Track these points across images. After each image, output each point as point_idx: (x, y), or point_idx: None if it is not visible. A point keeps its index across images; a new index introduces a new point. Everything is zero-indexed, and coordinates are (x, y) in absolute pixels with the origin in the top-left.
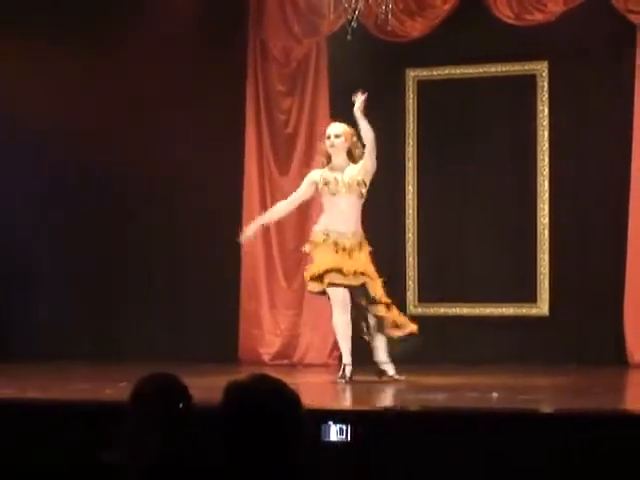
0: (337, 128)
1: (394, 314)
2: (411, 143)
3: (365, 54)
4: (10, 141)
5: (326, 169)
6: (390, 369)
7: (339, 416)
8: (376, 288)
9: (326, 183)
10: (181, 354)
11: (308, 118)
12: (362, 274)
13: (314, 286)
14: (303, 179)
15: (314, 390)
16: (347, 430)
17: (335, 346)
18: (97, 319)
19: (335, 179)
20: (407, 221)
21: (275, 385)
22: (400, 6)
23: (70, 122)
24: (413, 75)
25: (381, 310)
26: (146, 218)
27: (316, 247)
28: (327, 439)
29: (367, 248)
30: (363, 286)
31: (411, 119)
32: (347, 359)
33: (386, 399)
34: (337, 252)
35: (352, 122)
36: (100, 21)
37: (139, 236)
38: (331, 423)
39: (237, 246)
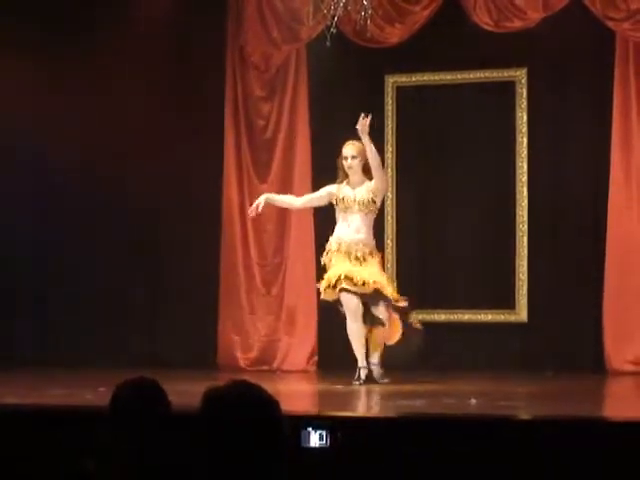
0: (353, 149)
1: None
2: (390, 149)
3: (344, 60)
4: (9, 156)
5: (344, 184)
6: (376, 373)
7: (318, 422)
8: (391, 291)
9: (342, 199)
10: (159, 359)
11: (287, 124)
12: (373, 282)
13: (329, 294)
14: (283, 184)
15: (293, 396)
16: (326, 436)
17: (313, 352)
18: (73, 324)
19: (348, 197)
20: (386, 227)
21: (254, 391)
22: (379, 12)
23: (54, 133)
24: (392, 81)
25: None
26: (124, 225)
27: (331, 256)
28: (307, 445)
29: (378, 256)
30: (376, 292)
31: (390, 125)
32: (361, 362)
33: (365, 405)
34: (350, 261)
35: (330, 127)
36: (80, 29)
37: (118, 242)
38: (310, 429)
39: (216, 252)
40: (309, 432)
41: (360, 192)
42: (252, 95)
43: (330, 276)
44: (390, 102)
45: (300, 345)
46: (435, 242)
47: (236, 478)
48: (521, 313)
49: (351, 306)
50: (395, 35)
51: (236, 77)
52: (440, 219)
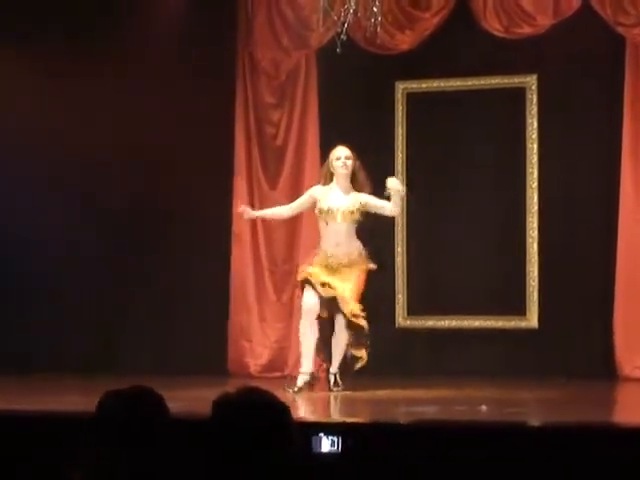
0: (348, 151)
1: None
2: (400, 156)
3: (354, 67)
4: (13, 157)
5: (327, 189)
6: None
7: (330, 428)
8: (347, 306)
9: (321, 212)
10: (170, 366)
11: (297, 131)
12: (332, 288)
13: (300, 276)
14: (293, 192)
15: (304, 402)
16: (338, 442)
17: (323, 359)
18: (85, 332)
19: (330, 209)
20: (396, 234)
21: (264, 398)
22: (389, 19)
23: (62, 138)
24: (402, 88)
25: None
26: (134, 231)
27: (313, 259)
28: (318, 451)
29: (361, 266)
30: (334, 300)
31: (400, 132)
32: (303, 367)
33: (376, 411)
34: (326, 266)
35: (340, 133)
36: (87, 37)
37: (127, 249)
38: (322, 435)
39: (227, 258)
40: (320, 438)
41: (346, 201)
42: (262, 102)
43: (302, 268)
44: (400, 109)
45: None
46: (445, 248)
47: None
48: (532, 319)
49: (307, 304)
50: (405, 42)
51: (246, 84)
52: (450, 225)
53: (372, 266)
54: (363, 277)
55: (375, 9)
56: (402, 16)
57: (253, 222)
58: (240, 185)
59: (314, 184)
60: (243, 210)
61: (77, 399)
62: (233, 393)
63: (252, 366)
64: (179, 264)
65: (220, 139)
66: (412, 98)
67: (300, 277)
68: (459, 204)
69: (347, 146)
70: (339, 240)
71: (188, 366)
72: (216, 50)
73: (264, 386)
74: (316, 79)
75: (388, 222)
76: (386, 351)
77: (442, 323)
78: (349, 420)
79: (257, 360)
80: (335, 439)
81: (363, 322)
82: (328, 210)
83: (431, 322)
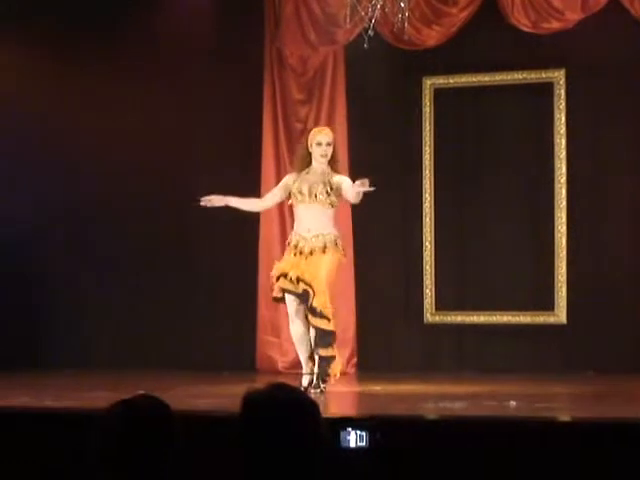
0: (329, 136)
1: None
2: (428, 150)
3: (382, 62)
4: (14, 157)
5: (303, 174)
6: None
7: (357, 423)
8: (318, 299)
9: (293, 195)
10: (198, 362)
11: (325, 126)
12: (305, 282)
13: (275, 291)
14: None
15: (332, 397)
16: (366, 437)
17: (352, 354)
18: (114, 328)
19: (301, 190)
20: (424, 229)
21: (293, 393)
22: (416, 14)
23: (87, 135)
24: (430, 83)
25: (321, 323)
26: (162, 227)
27: (286, 249)
28: (346, 445)
29: (334, 253)
30: (306, 294)
31: (428, 127)
32: (304, 369)
33: (404, 406)
34: (295, 255)
35: (368, 129)
36: (114, 34)
37: (155, 245)
38: (350, 429)
39: (255, 255)
40: (348, 433)
41: (321, 183)
42: (290, 98)
43: (274, 273)
44: (428, 104)
45: (339, 348)
46: (474, 243)
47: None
48: (560, 315)
49: (288, 307)
50: (432, 37)
51: (274, 80)
52: (479, 220)
53: (344, 259)
54: (335, 267)
55: (402, 4)
56: (429, 11)
57: (282, 219)
58: (268, 180)
59: None
60: (210, 199)
61: (107, 394)
62: (262, 389)
63: (280, 362)
64: (207, 261)
65: (248, 135)
66: (440, 93)
67: (274, 282)
68: (487, 199)
69: (325, 128)
70: (311, 225)
71: (217, 363)
72: (243, 47)
73: (292, 382)
74: (344, 75)
75: (416, 218)
76: (414, 347)
77: (470, 319)
78: (377, 415)
79: (285, 357)
80: (363, 434)
81: (324, 323)
82: (299, 192)
83: (460, 318)
